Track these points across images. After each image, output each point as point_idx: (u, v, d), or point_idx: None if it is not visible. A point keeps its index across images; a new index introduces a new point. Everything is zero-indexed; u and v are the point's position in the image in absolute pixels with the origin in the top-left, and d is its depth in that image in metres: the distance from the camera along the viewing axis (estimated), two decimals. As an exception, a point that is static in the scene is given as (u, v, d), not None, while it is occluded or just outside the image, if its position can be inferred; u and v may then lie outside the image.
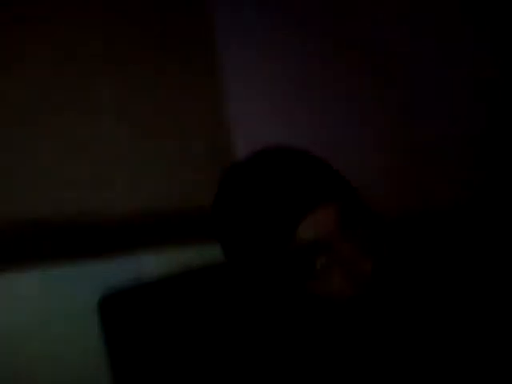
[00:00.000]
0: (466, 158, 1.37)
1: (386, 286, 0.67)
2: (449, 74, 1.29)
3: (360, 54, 1.31)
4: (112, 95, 1.10)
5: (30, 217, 0.99)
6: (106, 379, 0.90)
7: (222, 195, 0.72)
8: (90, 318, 0.91)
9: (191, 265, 0.98)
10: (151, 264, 1.03)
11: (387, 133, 1.36)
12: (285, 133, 1.23)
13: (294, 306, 0.71)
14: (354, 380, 0.73)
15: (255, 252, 0.67)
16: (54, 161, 1.03)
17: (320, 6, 1.31)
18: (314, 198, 0.66)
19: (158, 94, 1.17)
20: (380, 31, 1.28)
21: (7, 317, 0.94)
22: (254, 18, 1.31)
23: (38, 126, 1.02)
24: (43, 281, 0.96)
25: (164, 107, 1.18)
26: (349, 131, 1.32)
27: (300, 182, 0.67)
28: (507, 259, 0.96)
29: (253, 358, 0.87)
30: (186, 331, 0.88)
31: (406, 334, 0.75)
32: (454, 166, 1.37)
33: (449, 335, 0.79)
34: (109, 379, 0.90)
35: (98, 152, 1.08)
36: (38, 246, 0.99)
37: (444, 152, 1.35)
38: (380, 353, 0.74)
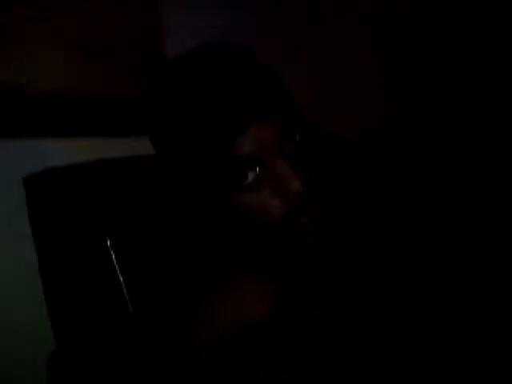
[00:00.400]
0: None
1: (322, 209, 0.64)
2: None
3: None
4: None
5: None
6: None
7: (157, 88, 0.67)
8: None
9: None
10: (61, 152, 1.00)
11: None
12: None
13: (217, 214, 0.68)
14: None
15: (187, 155, 0.64)
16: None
17: None
18: (254, 111, 0.62)
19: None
20: None
21: None
22: None
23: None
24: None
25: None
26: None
27: (243, 90, 0.63)
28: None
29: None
30: (111, 215, 0.86)
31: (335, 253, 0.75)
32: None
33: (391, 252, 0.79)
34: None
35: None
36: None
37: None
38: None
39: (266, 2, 1.33)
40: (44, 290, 0.88)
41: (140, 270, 0.85)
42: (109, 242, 0.83)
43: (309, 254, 0.67)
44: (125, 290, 0.83)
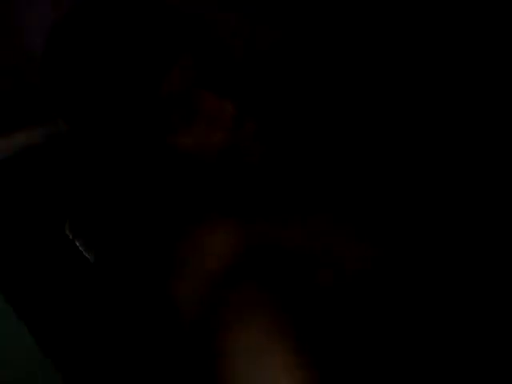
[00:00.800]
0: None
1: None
2: None
3: None
4: None
5: None
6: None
7: (63, 41, 0.61)
8: None
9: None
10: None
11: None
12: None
13: (156, 162, 0.66)
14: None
15: (110, 107, 0.60)
16: None
17: None
18: (173, 50, 0.60)
19: None
20: None
21: None
22: None
23: None
24: None
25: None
26: None
27: (157, 31, 0.60)
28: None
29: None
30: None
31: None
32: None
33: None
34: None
35: None
36: None
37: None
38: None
39: None
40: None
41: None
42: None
43: (257, 172, 0.66)
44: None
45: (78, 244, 0.80)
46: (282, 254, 0.65)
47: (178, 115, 0.62)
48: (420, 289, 0.65)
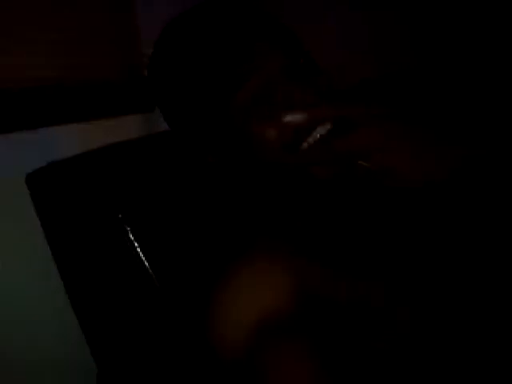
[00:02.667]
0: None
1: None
2: None
3: None
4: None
5: None
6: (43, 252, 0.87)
7: (164, 55, 0.67)
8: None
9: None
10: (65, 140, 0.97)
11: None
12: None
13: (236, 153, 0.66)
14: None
15: (205, 100, 0.63)
16: None
17: None
18: (258, 43, 0.62)
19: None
20: None
21: None
22: None
23: None
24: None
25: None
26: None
27: (243, 27, 0.63)
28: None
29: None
30: (124, 200, 0.83)
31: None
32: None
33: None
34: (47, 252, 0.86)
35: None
36: None
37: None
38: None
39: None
40: (65, 283, 0.86)
41: (162, 252, 0.82)
42: (130, 231, 0.80)
43: (327, 189, 0.64)
44: (150, 271, 0.80)
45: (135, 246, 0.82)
46: (334, 307, 0.61)
47: (266, 106, 0.62)
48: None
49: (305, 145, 0.62)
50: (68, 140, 0.98)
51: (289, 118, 0.61)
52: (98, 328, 0.86)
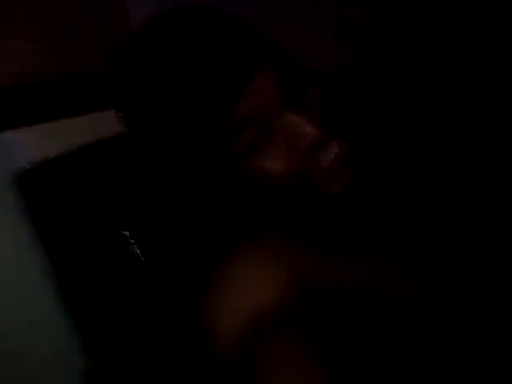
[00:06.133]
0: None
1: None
2: None
3: None
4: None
5: None
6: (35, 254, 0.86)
7: (130, 60, 0.58)
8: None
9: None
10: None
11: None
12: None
13: (229, 182, 0.61)
14: None
15: (181, 130, 0.56)
16: None
17: None
18: (249, 66, 0.54)
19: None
20: None
21: None
22: None
23: None
24: None
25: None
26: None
27: (232, 46, 0.55)
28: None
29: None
30: (120, 201, 0.82)
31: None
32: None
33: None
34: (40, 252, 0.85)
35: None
36: None
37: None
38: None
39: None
40: (61, 286, 0.85)
41: (158, 252, 0.81)
42: (127, 232, 0.79)
43: (337, 203, 0.60)
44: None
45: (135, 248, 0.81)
46: (335, 295, 0.58)
47: (255, 135, 0.57)
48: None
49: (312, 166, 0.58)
50: (53, 138, 0.95)
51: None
52: (94, 325, 0.85)
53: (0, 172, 0.85)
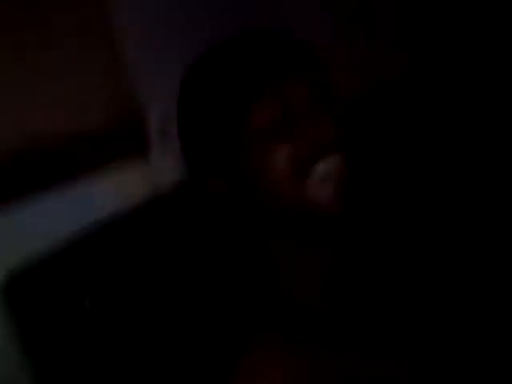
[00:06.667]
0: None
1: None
2: None
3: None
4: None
5: None
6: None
7: (186, 96, 0.69)
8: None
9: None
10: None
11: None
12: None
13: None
14: None
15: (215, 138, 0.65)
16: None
17: None
18: (281, 68, 0.63)
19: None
20: None
21: None
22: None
23: None
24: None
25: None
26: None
27: (264, 52, 0.64)
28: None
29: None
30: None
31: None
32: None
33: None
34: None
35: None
36: None
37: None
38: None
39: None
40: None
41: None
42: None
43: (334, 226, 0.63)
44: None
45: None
46: None
47: (280, 117, 0.62)
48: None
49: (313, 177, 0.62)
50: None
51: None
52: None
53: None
